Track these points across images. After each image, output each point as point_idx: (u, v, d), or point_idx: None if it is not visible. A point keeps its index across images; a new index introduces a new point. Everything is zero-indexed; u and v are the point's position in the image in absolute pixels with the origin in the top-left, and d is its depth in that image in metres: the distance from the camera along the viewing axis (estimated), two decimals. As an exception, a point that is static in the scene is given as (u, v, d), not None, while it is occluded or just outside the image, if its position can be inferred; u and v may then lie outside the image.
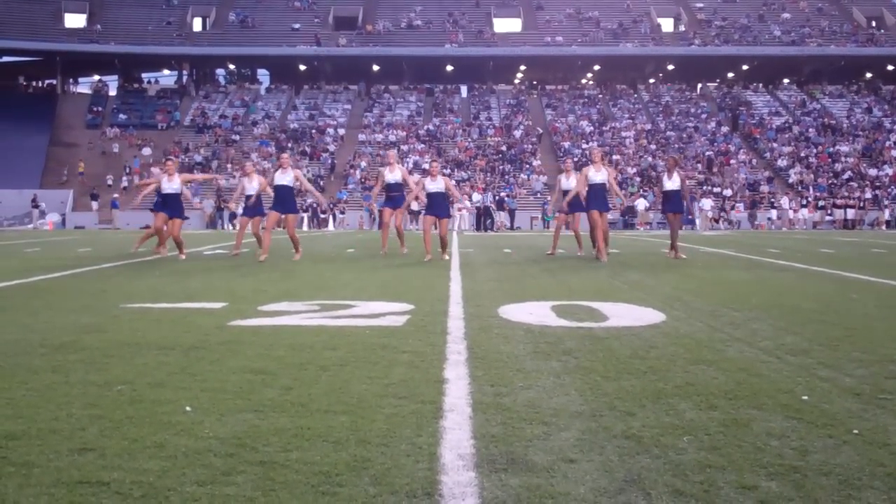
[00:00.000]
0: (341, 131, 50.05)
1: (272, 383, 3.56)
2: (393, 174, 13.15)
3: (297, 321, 5.37)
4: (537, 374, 3.73)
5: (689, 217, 37.23)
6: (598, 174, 11.99)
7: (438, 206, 12.05)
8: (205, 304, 6.30)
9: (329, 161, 45.56)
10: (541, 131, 49.55)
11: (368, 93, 55.74)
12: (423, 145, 47.81)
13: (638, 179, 43.21)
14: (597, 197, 11.95)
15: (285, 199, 12.01)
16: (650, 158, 45.68)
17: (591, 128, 49.87)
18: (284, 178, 11.99)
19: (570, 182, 13.14)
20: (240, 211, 13.82)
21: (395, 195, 13.30)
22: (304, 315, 5.66)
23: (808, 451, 2.62)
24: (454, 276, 9.24)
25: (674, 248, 12.72)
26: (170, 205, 12.60)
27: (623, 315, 5.67)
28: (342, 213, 38.60)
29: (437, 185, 12.08)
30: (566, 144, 47.62)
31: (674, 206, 12.60)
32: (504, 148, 47.25)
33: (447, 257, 12.38)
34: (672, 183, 12.52)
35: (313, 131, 49.58)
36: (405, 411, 3.08)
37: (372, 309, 5.99)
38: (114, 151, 47.30)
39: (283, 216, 12.18)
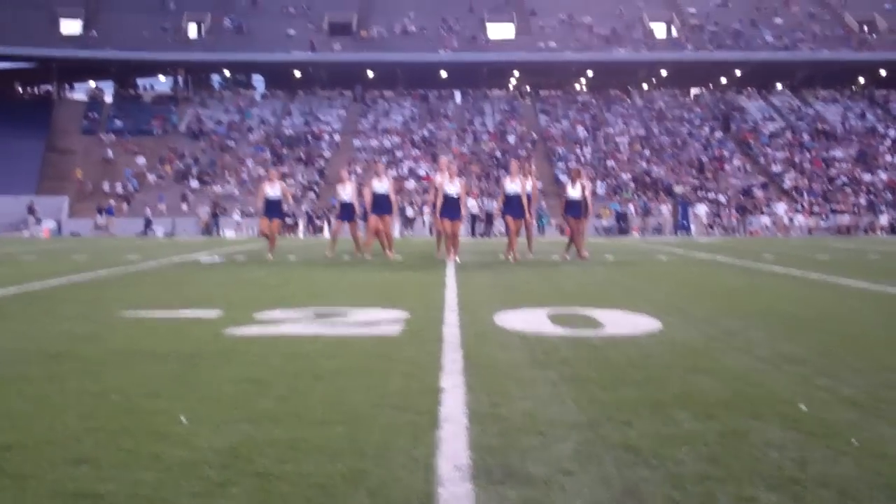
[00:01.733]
0: (336, 137, 50.08)
1: (267, 393, 3.54)
2: (381, 184, 13.83)
3: (292, 329, 5.35)
4: (534, 384, 3.71)
5: (684, 223, 37.33)
6: (513, 185, 13.29)
7: (454, 208, 12.91)
8: (200, 313, 6.27)
9: (322, 167, 45.57)
10: (535, 137, 49.63)
11: (363, 98, 55.77)
12: (417, 151, 47.87)
13: (632, 185, 43.30)
14: (511, 204, 13.41)
15: (276, 207, 14.32)
16: (644, 164, 45.80)
17: (585, 133, 49.97)
18: (273, 190, 14.22)
19: (514, 185, 13.66)
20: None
21: (381, 203, 13.84)
22: (299, 323, 5.64)
23: (806, 462, 2.61)
24: (449, 282, 9.24)
25: (578, 249, 14.02)
26: (272, 209, 14.35)
27: (619, 322, 5.66)
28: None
29: (454, 187, 12.91)
30: (560, 150, 47.72)
31: (575, 212, 13.96)
32: (498, 154, 47.32)
33: (457, 259, 12.89)
34: (575, 192, 13.87)
35: (309, 137, 49.60)
36: (401, 422, 3.06)
37: (367, 316, 5.98)
38: (110, 158, 47.21)
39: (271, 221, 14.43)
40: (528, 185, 13.68)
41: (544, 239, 27.73)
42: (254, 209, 40.03)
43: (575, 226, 14.13)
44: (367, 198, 14.01)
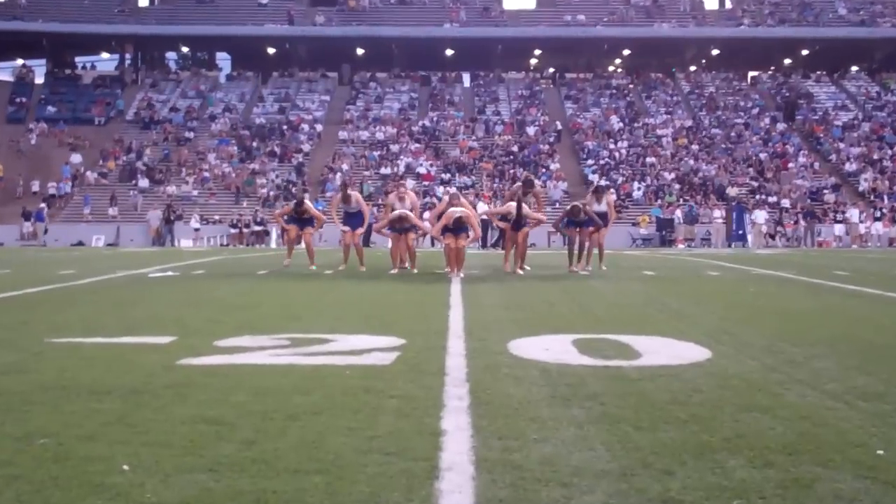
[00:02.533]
0: (318, 128, 50.27)
1: (230, 436, 3.53)
2: (348, 205, 15.59)
3: (262, 359, 5.35)
4: (555, 424, 3.71)
5: (739, 232, 37.35)
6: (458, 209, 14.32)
7: (459, 228, 13.87)
8: (149, 339, 6.28)
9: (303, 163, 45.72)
10: (560, 128, 49.79)
11: (351, 82, 56.05)
12: (417, 144, 48.01)
13: (677, 187, 43.36)
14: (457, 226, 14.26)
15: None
16: (692, 161, 45.88)
17: (620, 124, 50.12)
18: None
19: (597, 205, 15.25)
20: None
21: (352, 219, 15.69)
22: (269, 352, 5.64)
23: (886, 520, 2.60)
24: (454, 301, 9.23)
25: (580, 257, 15.06)
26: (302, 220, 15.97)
27: (660, 351, 5.66)
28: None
29: (460, 207, 14.01)
30: (590, 144, 47.85)
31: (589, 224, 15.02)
32: (515, 148, 47.47)
33: (461, 275, 13.22)
34: (601, 207, 15.24)
35: (284, 128, 49.79)
36: (393, 470, 3.06)
37: (353, 344, 5.98)
38: (40, 151, 47.35)
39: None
40: (603, 205, 15.38)
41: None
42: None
43: (587, 234, 15.06)
44: (434, 223, 15.33)
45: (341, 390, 4.40)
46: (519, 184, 15.77)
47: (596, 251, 15.40)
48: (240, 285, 12.14)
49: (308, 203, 16.49)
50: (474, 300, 9.62)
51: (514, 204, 14.53)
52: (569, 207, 15.47)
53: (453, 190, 17.64)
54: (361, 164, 45.98)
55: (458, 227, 13.91)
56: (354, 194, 16.06)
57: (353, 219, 15.74)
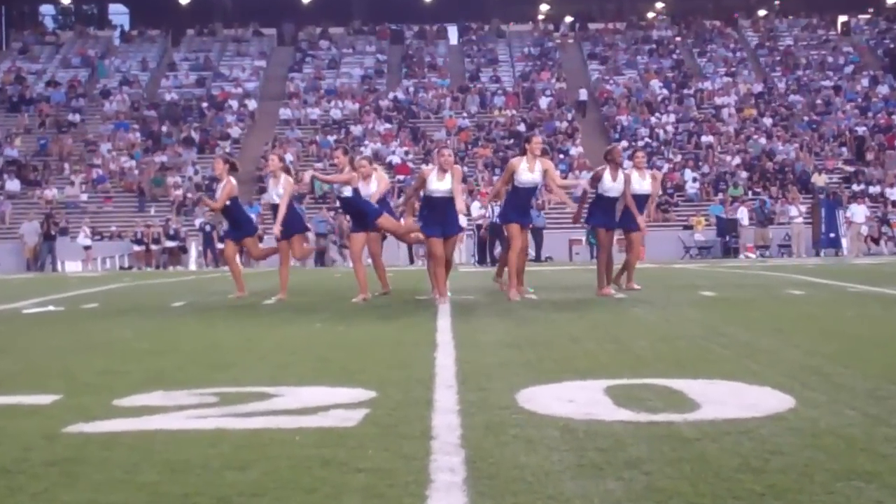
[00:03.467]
0: (251, 104, 50.30)
1: (138, 529, 3.52)
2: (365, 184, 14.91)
3: (180, 423, 5.34)
4: (583, 504, 3.71)
5: (830, 235, 37.38)
6: (530, 174, 14.14)
7: (447, 216, 13.56)
8: (23, 399, 6.26)
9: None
10: (582, 97, 49.93)
11: (295, 41, 56.17)
12: (388, 125, 48.07)
13: (743, 175, 43.43)
14: (519, 204, 14.58)
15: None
16: (763, 140, 46.00)
17: (665, 91, 50.28)
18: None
19: (531, 175, 14.34)
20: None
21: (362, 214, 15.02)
22: (190, 412, 5.63)
23: None
24: (443, 338, 9.24)
25: (626, 279, 15.64)
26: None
27: (724, 400, 5.67)
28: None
29: (444, 183, 13.37)
30: (624, 119, 47.95)
31: (630, 224, 15.56)
32: (521, 126, 47.51)
33: (446, 298, 13.30)
34: (645, 184, 15.54)
35: (204, 105, 49.81)
36: (362, 571, 3.06)
37: (305, 399, 5.98)
38: None
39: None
40: (646, 182, 15.52)
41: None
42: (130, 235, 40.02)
43: (636, 239, 15.65)
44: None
45: (289, 464, 4.39)
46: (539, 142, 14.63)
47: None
48: (148, 323, 12.10)
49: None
50: (470, 336, 9.60)
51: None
52: (591, 174, 15.49)
53: (442, 141, 17.10)
54: (312, 154, 45.97)
55: (447, 219, 13.56)
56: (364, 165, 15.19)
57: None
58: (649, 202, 15.73)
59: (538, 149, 14.22)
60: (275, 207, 15.48)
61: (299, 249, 16.11)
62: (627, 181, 15.19)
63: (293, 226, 15.55)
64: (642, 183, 15.48)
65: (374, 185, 15.01)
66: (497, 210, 36.22)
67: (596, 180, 15.15)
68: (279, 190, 15.40)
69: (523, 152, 14.26)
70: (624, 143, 45.60)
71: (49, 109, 49.51)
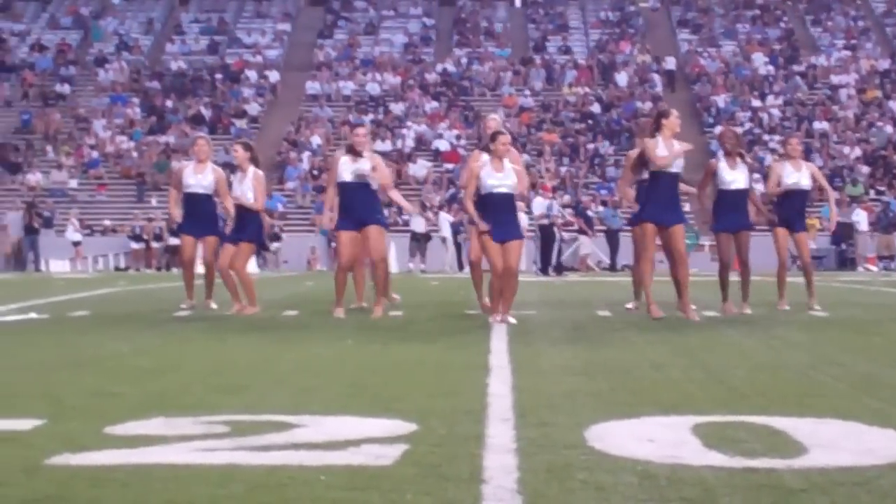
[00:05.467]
0: (272, 76, 50.47)
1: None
2: (357, 164, 14.49)
3: (183, 456, 5.36)
4: (665, 565, 3.71)
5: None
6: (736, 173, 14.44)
7: (503, 214, 13.13)
8: (1, 424, 6.31)
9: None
10: (670, 71, 49.75)
11: (326, 0, 56.24)
12: (435, 103, 48.06)
13: (864, 170, 43.12)
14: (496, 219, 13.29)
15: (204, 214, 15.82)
16: (889, 129, 45.67)
17: (770, 67, 50.04)
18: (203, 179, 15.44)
19: (796, 174, 15.16)
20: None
21: (363, 203, 14.65)
22: (195, 444, 5.66)
23: None
24: (497, 361, 9.24)
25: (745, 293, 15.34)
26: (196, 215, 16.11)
27: (837, 444, 5.65)
28: (276, 238, 38.43)
29: (504, 175, 13.02)
30: (720, 100, 47.72)
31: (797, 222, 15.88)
32: (596, 108, 47.42)
33: (511, 319, 13.04)
34: (799, 176, 15.45)
35: (218, 77, 49.99)
36: None
37: (332, 431, 6.00)
38: None
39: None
40: (803, 175, 15.51)
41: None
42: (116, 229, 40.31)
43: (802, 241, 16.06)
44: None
45: (314, 508, 4.42)
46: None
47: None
48: (146, 336, 12.18)
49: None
50: (530, 360, 9.61)
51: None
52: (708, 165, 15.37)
53: (495, 116, 15.98)
54: (343, 136, 45.95)
55: (505, 220, 13.21)
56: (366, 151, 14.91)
57: (363, 204, 14.49)
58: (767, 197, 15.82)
59: (677, 125, 14.04)
60: (240, 208, 15.16)
61: (214, 256, 16.06)
62: (778, 174, 15.29)
63: (249, 232, 15.27)
64: (799, 176, 15.36)
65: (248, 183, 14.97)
66: (556, 208, 36.38)
67: (709, 174, 14.95)
68: (245, 187, 15.12)
69: (656, 131, 13.96)
70: (719, 129, 45.64)
71: (33, 78, 49.79)
